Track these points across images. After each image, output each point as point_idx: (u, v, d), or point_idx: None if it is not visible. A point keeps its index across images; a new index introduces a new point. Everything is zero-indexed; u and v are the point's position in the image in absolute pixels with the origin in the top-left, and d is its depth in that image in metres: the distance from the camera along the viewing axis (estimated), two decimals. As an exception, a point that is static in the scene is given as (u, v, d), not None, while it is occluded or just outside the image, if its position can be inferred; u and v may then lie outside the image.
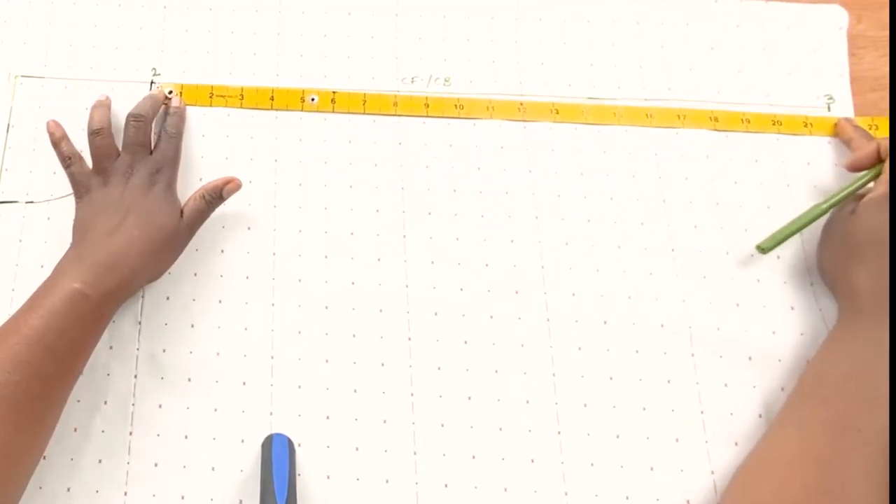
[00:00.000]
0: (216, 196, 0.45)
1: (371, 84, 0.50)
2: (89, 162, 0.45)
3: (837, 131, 0.49)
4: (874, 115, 0.50)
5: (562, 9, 0.52)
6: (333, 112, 0.49)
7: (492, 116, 0.49)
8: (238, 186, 0.46)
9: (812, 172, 0.48)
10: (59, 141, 0.46)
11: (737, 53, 0.51)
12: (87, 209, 0.44)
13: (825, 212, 0.45)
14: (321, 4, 0.52)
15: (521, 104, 0.49)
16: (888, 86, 0.51)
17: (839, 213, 0.44)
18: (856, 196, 0.44)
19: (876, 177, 0.44)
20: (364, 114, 0.49)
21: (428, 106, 0.49)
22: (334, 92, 0.49)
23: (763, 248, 0.45)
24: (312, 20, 0.52)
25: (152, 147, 0.46)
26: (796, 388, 0.41)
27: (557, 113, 0.49)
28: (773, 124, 0.49)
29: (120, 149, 0.45)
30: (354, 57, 0.51)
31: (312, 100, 0.49)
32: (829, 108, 0.50)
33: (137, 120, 0.45)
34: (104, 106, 0.47)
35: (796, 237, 0.46)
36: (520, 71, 0.51)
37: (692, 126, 0.49)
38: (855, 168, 0.45)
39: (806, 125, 0.49)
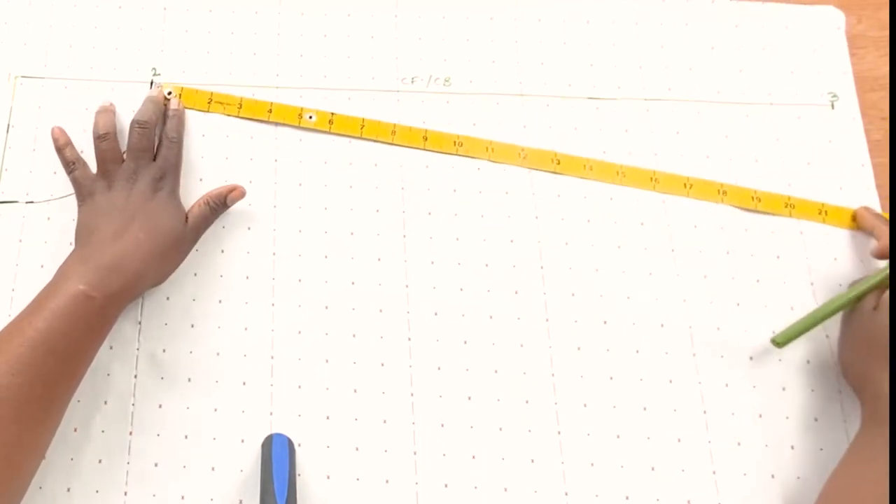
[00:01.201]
0: (220, 203, 0.45)
1: (371, 84, 0.50)
2: (92, 166, 0.45)
3: (857, 220, 0.46)
4: (873, 114, 0.50)
5: (561, 9, 0.52)
6: (330, 133, 0.49)
7: (490, 158, 0.48)
8: (242, 194, 0.46)
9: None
10: (63, 147, 0.46)
11: (737, 53, 0.51)
12: (90, 212, 0.44)
13: (847, 305, 0.42)
14: (321, 5, 0.52)
15: (522, 150, 0.48)
16: (888, 86, 0.51)
17: (861, 307, 0.41)
18: (880, 289, 0.41)
19: None
20: (361, 139, 0.48)
21: (427, 139, 0.48)
22: (332, 114, 0.49)
23: (778, 343, 0.42)
24: (312, 21, 0.52)
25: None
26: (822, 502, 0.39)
27: (559, 164, 0.48)
28: (786, 206, 0.47)
29: (123, 154, 0.45)
30: (354, 57, 0.51)
31: (310, 118, 0.49)
32: (832, 106, 0.50)
33: (143, 127, 0.45)
34: (109, 111, 0.47)
35: (800, 246, 0.46)
36: (520, 71, 0.51)
37: (701, 197, 0.47)
38: (882, 255, 0.43)
39: (821, 212, 0.47)
